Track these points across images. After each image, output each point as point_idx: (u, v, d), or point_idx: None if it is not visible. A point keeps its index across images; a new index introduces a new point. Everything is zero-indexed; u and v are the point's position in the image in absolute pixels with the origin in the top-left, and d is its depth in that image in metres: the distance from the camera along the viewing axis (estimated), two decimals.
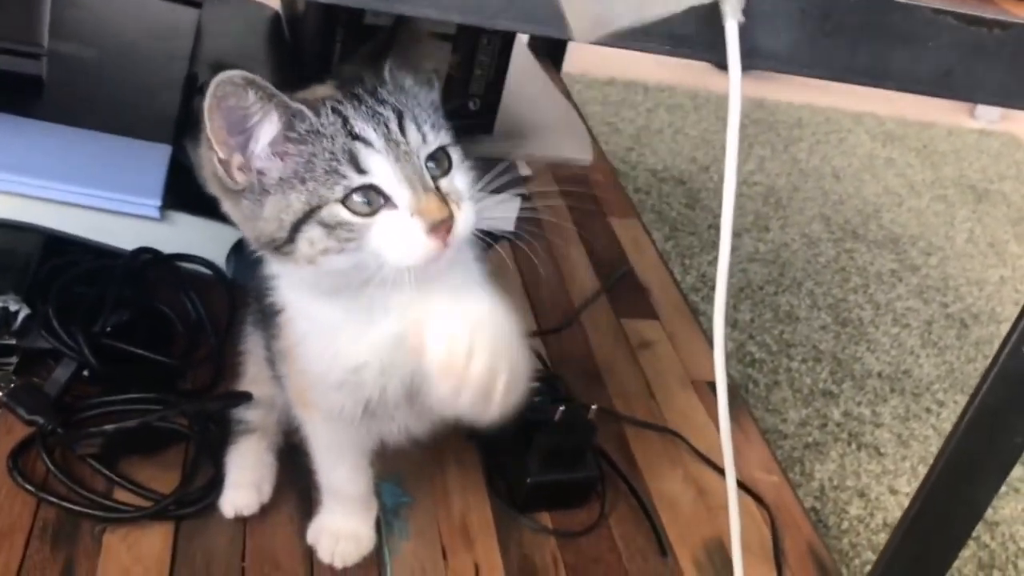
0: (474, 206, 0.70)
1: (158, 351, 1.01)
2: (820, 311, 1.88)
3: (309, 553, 0.89)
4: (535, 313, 1.29)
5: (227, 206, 0.71)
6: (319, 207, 0.66)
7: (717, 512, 1.05)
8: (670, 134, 2.44)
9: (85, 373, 0.97)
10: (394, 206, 0.67)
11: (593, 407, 0.97)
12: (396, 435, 0.85)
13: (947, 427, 1.64)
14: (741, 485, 1.08)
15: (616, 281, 1.39)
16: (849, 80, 0.60)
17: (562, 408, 0.96)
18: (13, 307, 0.95)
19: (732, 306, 1.82)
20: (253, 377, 0.97)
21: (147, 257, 1.07)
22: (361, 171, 0.66)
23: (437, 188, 0.68)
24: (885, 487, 1.49)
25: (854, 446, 1.56)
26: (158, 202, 1.06)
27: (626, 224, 1.54)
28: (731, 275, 1.91)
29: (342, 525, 0.89)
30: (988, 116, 3.00)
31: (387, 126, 0.67)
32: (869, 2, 0.57)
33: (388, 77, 0.71)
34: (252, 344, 0.97)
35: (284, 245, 0.68)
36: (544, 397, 0.99)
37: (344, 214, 0.66)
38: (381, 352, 0.75)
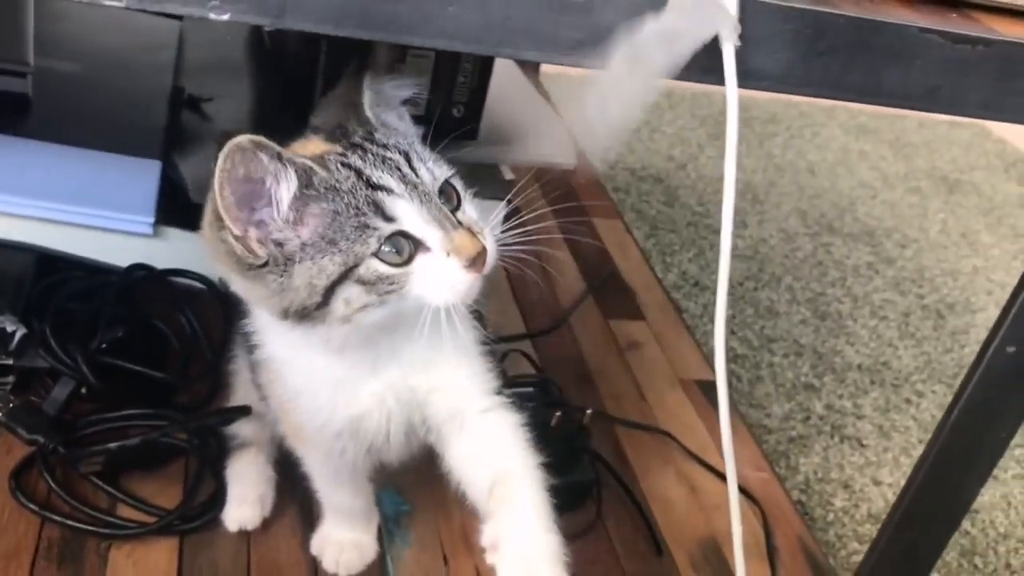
0: (491, 232, 0.69)
1: (154, 367, 1.02)
2: (799, 305, 1.91)
3: (313, 563, 0.91)
4: (524, 315, 1.31)
5: (244, 286, 0.68)
6: (355, 265, 0.64)
7: (710, 511, 1.07)
8: (647, 132, 2.46)
9: (83, 391, 0.97)
10: (427, 249, 0.66)
11: (588, 411, 0.99)
12: (395, 460, 0.85)
13: (927, 417, 1.67)
14: None
15: (602, 282, 1.41)
16: (841, 97, 0.62)
17: (559, 413, 0.97)
18: (10, 327, 0.96)
19: (713, 302, 1.84)
20: (243, 396, 0.98)
21: (141, 273, 1.08)
22: (389, 219, 0.65)
23: (458, 222, 0.67)
24: (868, 478, 1.52)
25: (837, 439, 1.59)
26: (151, 218, 1.07)
27: (610, 225, 1.56)
28: (712, 272, 1.94)
29: (345, 535, 0.91)
30: None
31: (400, 169, 0.67)
32: (859, 22, 0.59)
33: (372, 119, 0.71)
34: (240, 365, 0.98)
35: (317, 310, 0.66)
36: (538, 402, 1.01)
37: (382, 268, 0.65)
38: (384, 401, 0.75)
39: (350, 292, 0.65)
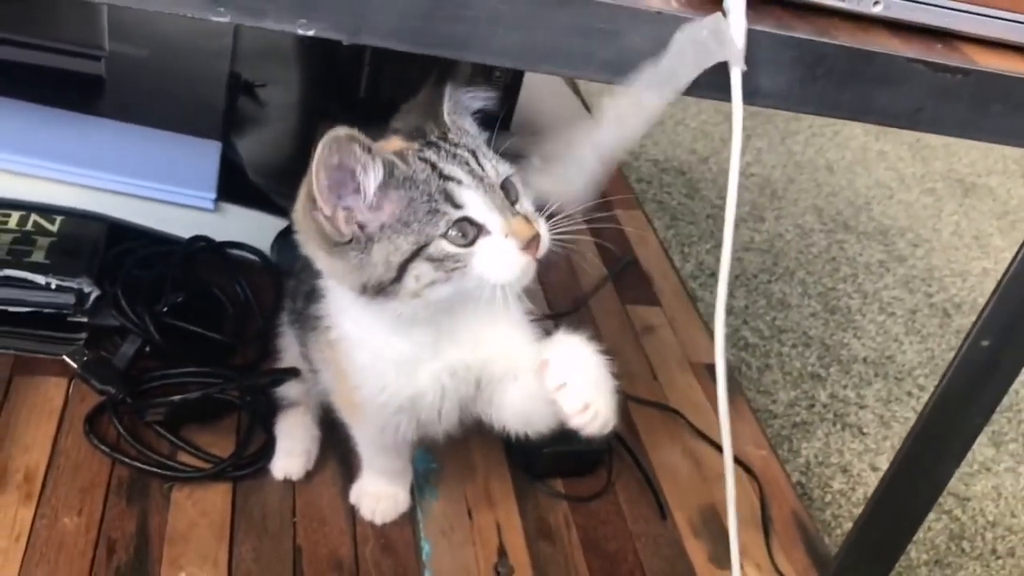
0: (544, 222, 0.78)
1: (211, 329, 1.12)
2: (811, 299, 1.99)
3: (351, 510, 1.01)
4: (547, 297, 1.40)
5: (328, 262, 0.78)
6: (426, 245, 0.74)
7: (711, 482, 1.17)
8: (671, 126, 2.54)
9: (147, 348, 1.08)
10: (488, 232, 0.75)
11: None
12: (441, 434, 0.94)
13: None
14: (734, 458, 1.20)
15: (621, 270, 1.51)
16: (836, 116, 0.71)
17: None
18: (86, 289, 1.06)
19: (729, 293, 1.92)
20: (291, 362, 1.07)
21: (201, 244, 1.18)
22: (457, 206, 0.74)
23: (516, 212, 0.77)
24: (866, 464, 1.61)
25: (839, 426, 1.68)
26: (213, 195, 1.17)
27: (631, 216, 1.65)
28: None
29: (381, 488, 1.01)
30: None
31: (468, 164, 0.77)
32: (853, 52, 0.68)
33: (449, 123, 0.80)
34: (288, 340, 1.07)
35: (391, 284, 0.75)
36: None
37: (449, 247, 0.74)
38: (441, 381, 0.85)
39: (421, 269, 0.74)
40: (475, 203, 0.75)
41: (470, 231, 0.75)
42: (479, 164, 0.77)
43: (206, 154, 1.21)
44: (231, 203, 1.20)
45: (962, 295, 2.15)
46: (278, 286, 1.18)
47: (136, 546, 0.92)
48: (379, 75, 1.45)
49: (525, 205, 0.79)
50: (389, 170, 0.74)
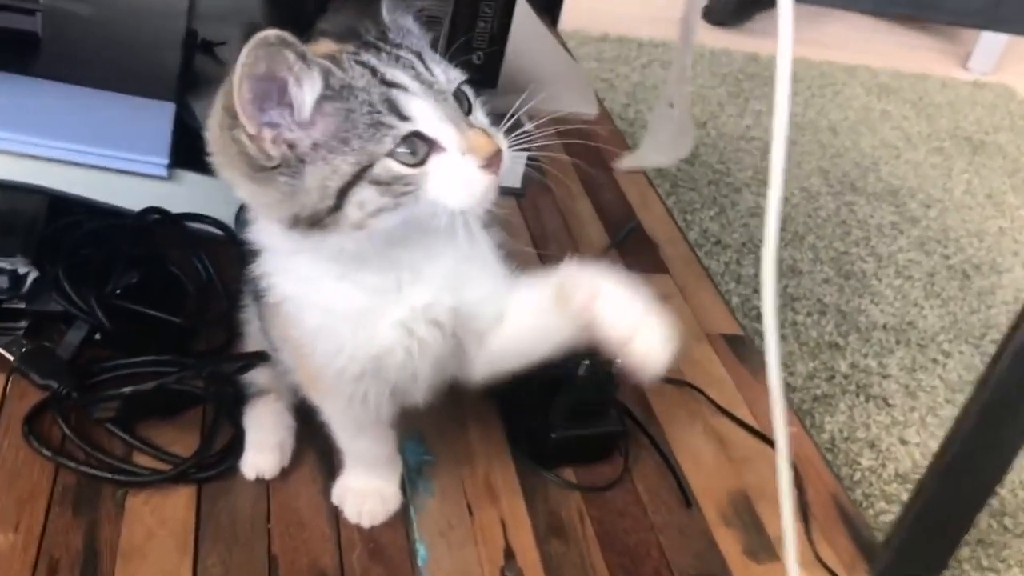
0: (503, 135, 0.68)
1: (169, 313, 0.99)
2: (823, 264, 1.87)
3: (335, 512, 0.88)
4: (545, 268, 1.27)
5: (252, 190, 0.66)
6: (369, 166, 0.63)
7: (739, 464, 1.04)
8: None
9: (97, 336, 0.95)
10: (441, 149, 0.64)
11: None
12: (420, 400, 0.82)
13: (954, 377, 1.64)
14: (762, 436, 1.08)
15: (625, 236, 1.38)
16: (897, 10, 0.58)
17: (586, 362, 0.94)
18: (22, 270, 0.93)
19: (736, 261, 1.81)
20: (256, 344, 0.95)
21: (155, 217, 1.05)
22: (404, 118, 0.63)
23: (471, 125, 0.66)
24: (895, 438, 1.49)
25: (862, 398, 1.56)
26: (166, 160, 1.04)
27: (631, 179, 1.52)
28: (733, 231, 1.91)
29: (367, 484, 0.88)
30: (981, 68, 2.98)
31: (414, 68, 0.65)
32: None
33: (389, 22, 0.68)
34: (250, 314, 0.95)
35: (328, 215, 0.64)
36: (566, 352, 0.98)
37: (397, 167, 0.63)
38: (409, 332, 0.72)
39: (364, 194, 0.63)
40: (425, 114, 0.64)
41: (421, 148, 0.64)
42: (427, 68, 0.66)
43: (158, 117, 1.08)
44: (188, 170, 1.06)
45: (980, 256, 2.03)
46: (244, 261, 1.05)
47: (83, 564, 0.79)
48: None
49: (480, 117, 0.68)
50: (324, 79, 0.62)
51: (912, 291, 1.86)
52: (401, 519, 0.89)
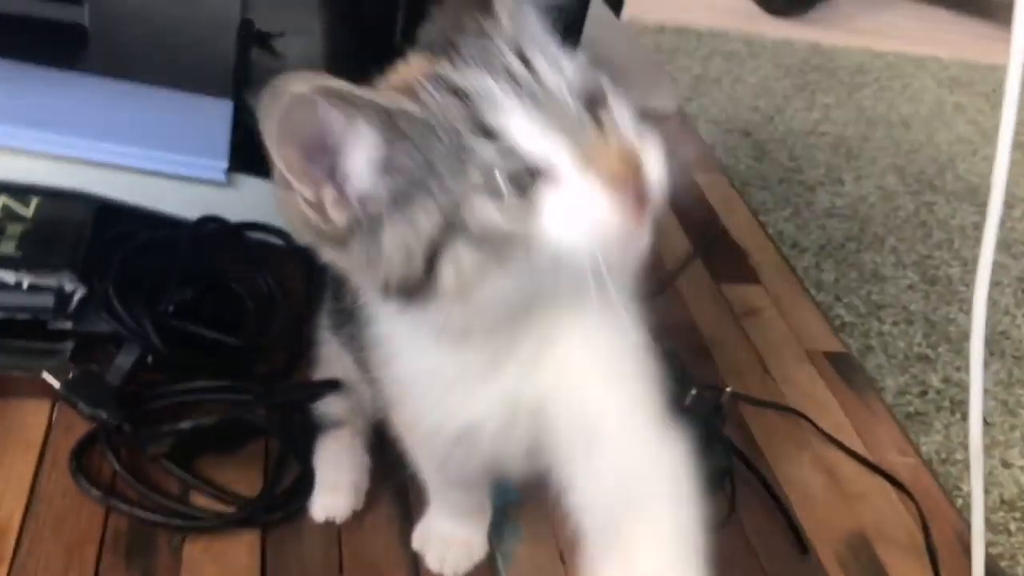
0: (654, 145, 0.50)
1: (227, 332, 0.90)
2: (906, 269, 1.76)
3: (414, 560, 0.79)
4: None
5: (332, 256, 0.54)
6: (455, 208, 0.48)
7: (853, 500, 0.94)
8: (728, 82, 2.31)
9: (149, 359, 0.86)
10: (555, 174, 0.48)
11: (727, 390, 0.86)
12: (515, 474, 0.70)
13: None
14: (878, 470, 0.97)
15: (709, 243, 1.28)
16: None
17: (694, 392, 0.84)
18: (68, 287, 0.85)
19: (815, 265, 1.70)
20: (331, 369, 0.86)
21: (213, 226, 0.96)
22: (490, 136, 0.48)
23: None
24: (997, 460, 1.38)
25: (958, 415, 1.45)
26: (224, 164, 0.95)
27: (713, 180, 1.42)
28: (810, 232, 1.80)
29: (452, 530, 0.79)
30: None
31: (503, 62, 0.49)
32: None
33: (499, 11, 0.53)
34: (329, 350, 0.86)
35: (422, 284, 0.50)
36: (667, 379, 0.88)
37: (492, 209, 0.48)
38: (498, 412, 0.60)
39: (457, 252, 0.49)
40: (522, 125, 0.47)
41: (524, 178, 0.47)
42: (525, 63, 0.49)
43: (215, 115, 0.99)
44: (247, 174, 0.97)
45: None
46: (309, 275, 0.96)
47: None
48: (418, 18, 1.22)
49: (615, 117, 0.51)
50: (388, 125, 0.49)
51: (1001, 298, 1.75)
52: (487, 567, 0.80)
